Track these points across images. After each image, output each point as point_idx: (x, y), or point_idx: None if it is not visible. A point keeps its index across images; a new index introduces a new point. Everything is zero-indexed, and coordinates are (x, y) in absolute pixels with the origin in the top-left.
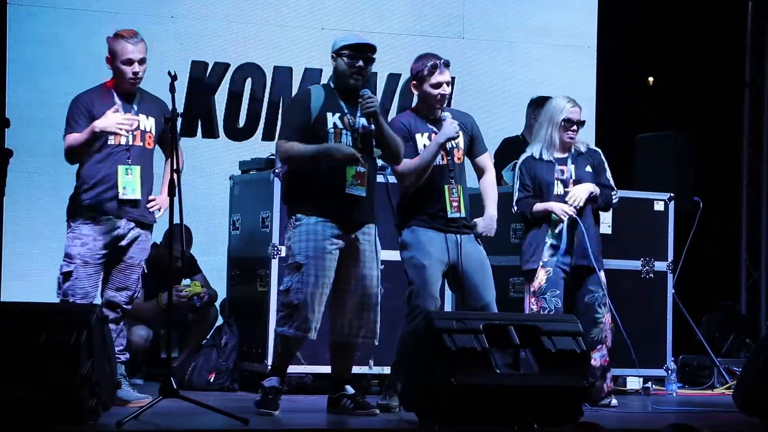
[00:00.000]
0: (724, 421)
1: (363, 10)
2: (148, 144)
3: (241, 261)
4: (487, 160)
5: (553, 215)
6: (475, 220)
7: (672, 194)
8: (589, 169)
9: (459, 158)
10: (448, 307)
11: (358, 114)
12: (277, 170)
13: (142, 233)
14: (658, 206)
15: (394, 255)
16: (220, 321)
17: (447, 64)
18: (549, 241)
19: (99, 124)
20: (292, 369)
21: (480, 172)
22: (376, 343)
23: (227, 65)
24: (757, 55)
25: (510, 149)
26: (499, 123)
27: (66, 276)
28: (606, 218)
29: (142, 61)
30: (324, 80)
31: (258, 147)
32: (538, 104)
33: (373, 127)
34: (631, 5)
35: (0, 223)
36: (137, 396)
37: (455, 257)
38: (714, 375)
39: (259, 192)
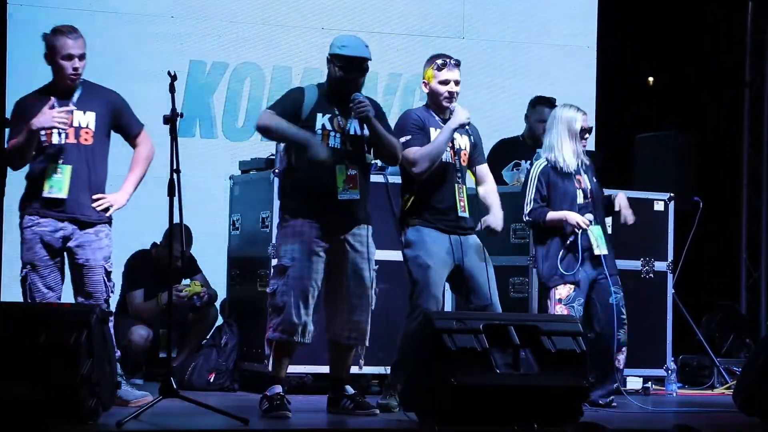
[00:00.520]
0: (724, 421)
1: (363, 10)
2: (85, 140)
3: (241, 261)
4: (486, 169)
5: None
6: (484, 218)
7: (672, 194)
8: (594, 179)
9: (464, 160)
10: (448, 307)
11: (351, 117)
12: (277, 170)
13: (91, 232)
14: (658, 206)
15: (393, 255)
16: (220, 321)
17: (457, 64)
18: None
19: (35, 122)
20: (293, 369)
21: (480, 180)
22: (366, 344)
23: (226, 65)
24: (757, 55)
25: (507, 149)
26: (499, 123)
27: (23, 282)
28: (606, 218)
29: (82, 57)
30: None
31: (258, 147)
32: (533, 103)
33: (366, 132)
34: (631, 5)
35: (0, 223)
36: (137, 395)
37: (460, 258)
38: (714, 375)
39: (259, 192)
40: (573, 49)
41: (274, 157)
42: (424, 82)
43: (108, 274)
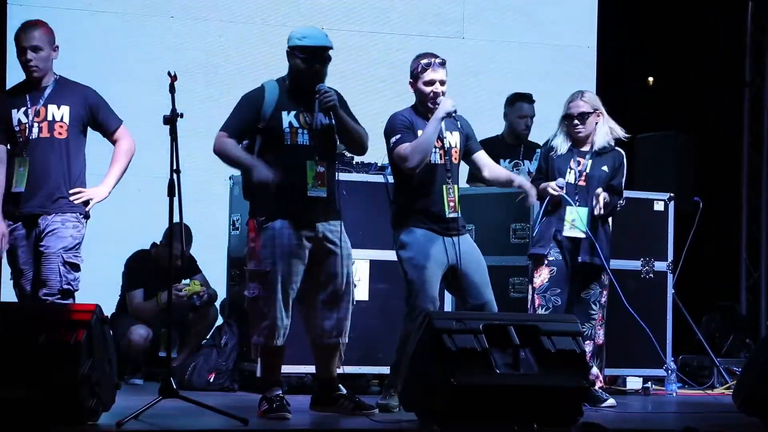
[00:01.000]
0: (724, 421)
1: (363, 10)
2: (60, 134)
3: (241, 261)
4: (485, 155)
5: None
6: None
7: (672, 194)
8: (605, 168)
9: (456, 158)
10: (448, 307)
11: (317, 109)
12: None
13: (57, 220)
14: (658, 206)
15: (393, 255)
16: (220, 321)
17: (443, 63)
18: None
19: None
20: (293, 369)
21: (482, 167)
22: (345, 341)
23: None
24: (757, 55)
25: (488, 149)
26: (498, 123)
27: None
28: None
29: (35, 49)
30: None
31: None
32: (510, 101)
33: (333, 122)
34: (631, 5)
35: None
36: None
37: (454, 259)
38: (714, 375)
39: None
40: (573, 49)
41: None
42: (410, 82)
43: (70, 264)
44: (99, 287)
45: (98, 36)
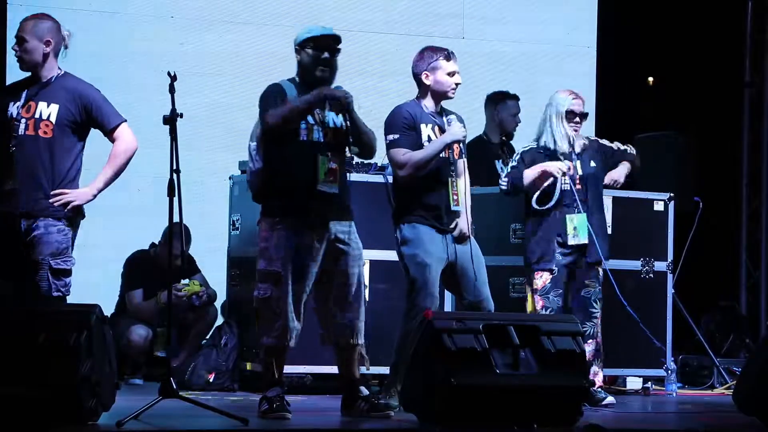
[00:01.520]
0: (724, 421)
1: (363, 10)
2: (45, 133)
3: (241, 261)
4: (464, 165)
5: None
6: (456, 220)
7: (672, 194)
8: (593, 163)
9: (457, 153)
10: (448, 307)
11: (327, 108)
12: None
13: (41, 226)
14: (658, 206)
15: (393, 255)
16: (220, 321)
17: (455, 56)
18: (558, 238)
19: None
20: (293, 369)
21: (458, 175)
22: (360, 342)
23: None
24: (757, 55)
25: (474, 151)
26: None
27: None
28: (606, 218)
29: (19, 41)
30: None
31: None
32: (497, 100)
33: (346, 123)
34: (631, 5)
35: None
36: None
37: (452, 255)
38: (714, 375)
39: None
40: (573, 49)
41: None
42: (425, 74)
43: (59, 271)
44: (99, 287)
45: (98, 36)
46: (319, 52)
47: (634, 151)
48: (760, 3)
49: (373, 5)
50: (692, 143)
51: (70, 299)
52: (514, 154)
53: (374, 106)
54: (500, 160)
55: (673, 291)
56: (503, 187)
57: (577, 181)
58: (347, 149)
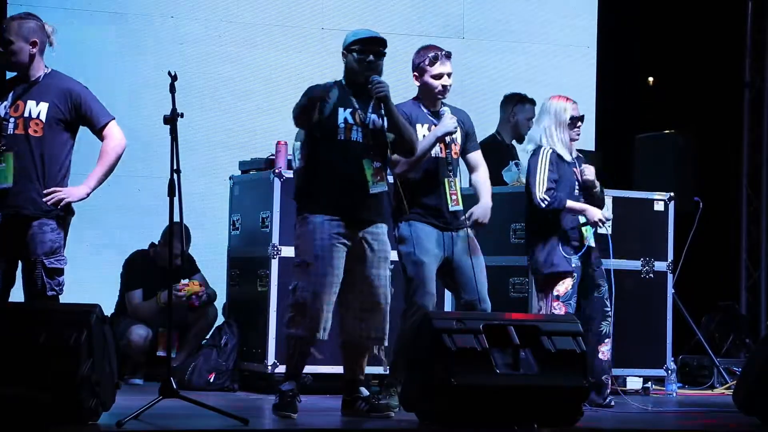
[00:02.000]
0: (724, 421)
1: (363, 10)
2: (35, 132)
3: (241, 261)
4: (479, 156)
5: (582, 218)
6: (471, 209)
7: (672, 194)
8: (580, 168)
9: (456, 153)
10: (447, 306)
11: (370, 110)
12: (277, 170)
13: (35, 225)
14: (658, 206)
15: (393, 255)
16: (220, 321)
17: (448, 56)
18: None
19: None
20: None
21: (472, 168)
22: (386, 344)
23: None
24: (757, 55)
25: (487, 150)
26: (498, 123)
27: None
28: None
29: (5, 42)
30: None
31: (258, 147)
32: (516, 101)
33: (384, 121)
34: (631, 5)
35: None
36: None
37: (449, 252)
38: (714, 375)
39: (259, 192)
40: (573, 49)
41: (274, 157)
42: (414, 75)
43: (53, 270)
44: (99, 287)
45: (97, 36)
46: (364, 56)
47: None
48: (760, 3)
49: (374, 5)
50: (692, 143)
51: (70, 299)
52: (541, 161)
53: None
54: (513, 161)
55: (673, 291)
56: (542, 205)
57: (577, 187)
58: (388, 149)
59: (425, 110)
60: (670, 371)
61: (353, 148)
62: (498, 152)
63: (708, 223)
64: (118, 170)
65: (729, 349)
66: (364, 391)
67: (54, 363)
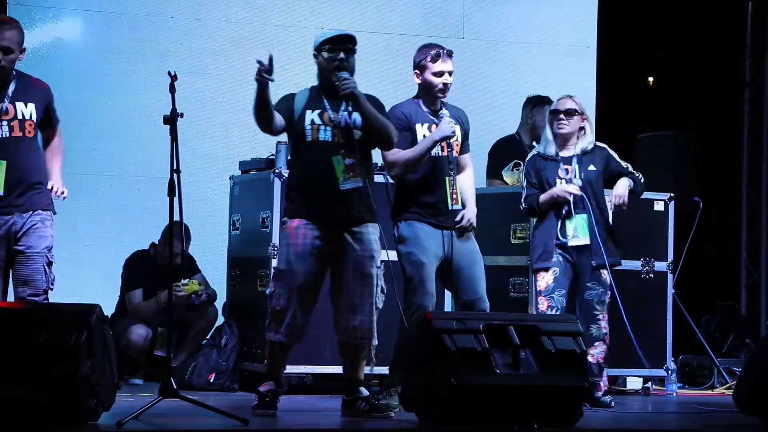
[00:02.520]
0: (724, 421)
1: (363, 10)
2: (29, 132)
3: (241, 261)
4: (469, 159)
5: (559, 200)
6: (461, 212)
7: (672, 194)
8: (592, 167)
9: (457, 151)
10: (447, 306)
11: (343, 108)
12: (277, 170)
13: (37, 219)
14: (658, 206)
15: (393, 255)
16: (220, 321)
17: (450, 54)
18: (557, 240)
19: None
20: (293, 369)
21: (460, 169)
22: (375, 343)
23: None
24: (757, 55)
25: (504, 148)
26: (498, 123)
27: None
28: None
29: (6, 50)
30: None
31: (258, 147)
32: (535, 103)
33: (356, 117)
34: (631, 5)
35: None
36: None
37: (449, 252)
38: (714, 375)
39: (259, 192)
40: (573, 49)
41: (274, 157)
42: (416, 72)
43: (49, 264)
44: (99, 287)
45: (97, 36)
46: (335, 54)
47: (641, 178)
48: (760, 3)
49: (374, 5)
50: (692, 143)
51: (70, 299)
52: (523, 168)
53: None
54: (513, 162)
55: (673, 291)
56: (523, 207)
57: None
58: (363, 144)
59: (425, 109)
60: (670, 371)
61: (322, 147)
62: (513, 149)
63: (708, 223)
64: (119, 170)
65: (729, 349)
66: (364, 391)
67: (54, 363)
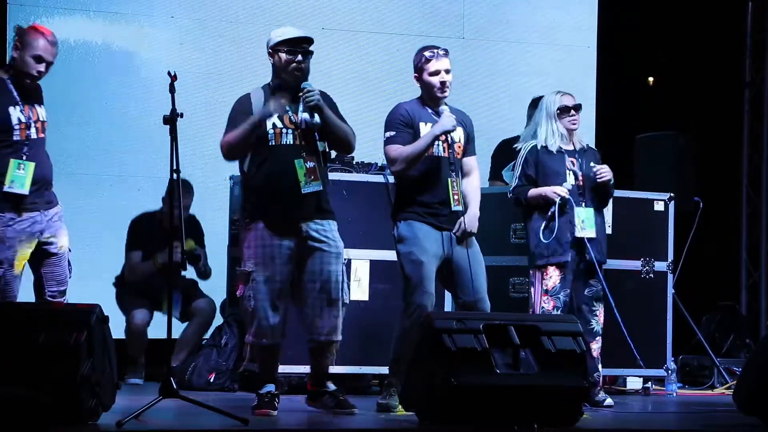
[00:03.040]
0: (724, 421)
1: (363, 10)
2: (44, 132)
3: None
4: (474, 162)
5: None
6: (459, 219)
7: (672, 194)
8: (592, 164)
9: (459, 153)
10: (448, 306)
11: (301, 109)
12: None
13: (56, 219)
14: (658, 206)
15: (393, 255)
16: (220, 321)
17: (445, 53)
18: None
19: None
20: (293, 369)
21: (465, 173)
22: (338, 338)
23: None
24: (757, 55)
25: (509, 149)
26: (499, 123)
27: None
28: (606, 218)
29: (49, 65)
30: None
31: None
32: (536, 103)
33: (317, 120)
34: (631, 5)
35: None
36: None
37: (449, 252)
38: (714, 375)
39: None
40: (573, 49)
41: None
42: (415, 76)
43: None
44: (99, 287)
45: (97, 36)
46: (293, 56)
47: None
48: (760, 3)
49: (374, 5)
50: (692, 143)
51: (70, 299)
52: (519, 157)
53: (374, 106)
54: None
55: (673, 291)
56: (510, 196)
57: (581, 179)
58: (324, 145)
59: (429, 110)
60: (670, 371)
61: (284, 152)
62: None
63: (708, 223)
64: (119, 170)
65: (729, 349)
66: (331, 386)
67: (54, 363)
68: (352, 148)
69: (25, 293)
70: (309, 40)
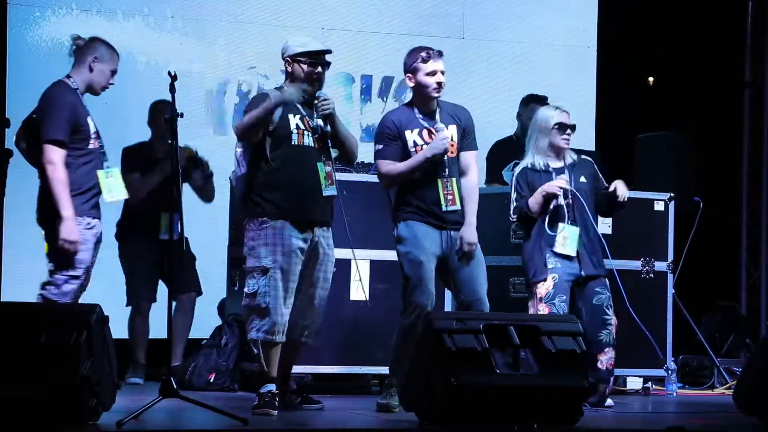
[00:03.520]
0: (724, 421)
1: (363, 10)
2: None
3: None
4: (472, 158)
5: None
6: (459, 234)
7: (672, 194)
8: (583, 179)
9: (452, 152)
10: (448, 306)
11: (315, 116)
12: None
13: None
14: (658, 206)
15: (393, 255)
16: (220, 321)
17: (440, 54)
18: (550, 249)
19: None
20: (293, 369)
21: (463, 171)
22: (312, 342)
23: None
24: (757, 55)
25: (502, 150)
26: (498, 123)
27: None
28: (606, 218)
29: (113, 73)
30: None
31: None
32: (526, 101)
33: (329, 128)
34: (631, 5)
35: (0, 223)
36: None
37: (448, 251)
38: (714, 375)
39: None
40: (573, 49)
41: None
42: (408, 76)
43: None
44: (99, 287)
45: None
46: (313, 68)
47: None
48: (760, 3)
49: (374, 5)
50: (692, 143)
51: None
52: (512, 182)
53: (372, 106)
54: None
55: (673, 291)
56: (513, 219)
57: (569, 197)
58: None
59: (419, 115)
60: (670, 371)
61: (307, 152)
62: (510, 150)
63: (708, 223)
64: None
65: (729, 349)
66: (293, 385)
67: (54, 363)
68: (356, 158)
69: (26, 293)
70: (329, 53)
